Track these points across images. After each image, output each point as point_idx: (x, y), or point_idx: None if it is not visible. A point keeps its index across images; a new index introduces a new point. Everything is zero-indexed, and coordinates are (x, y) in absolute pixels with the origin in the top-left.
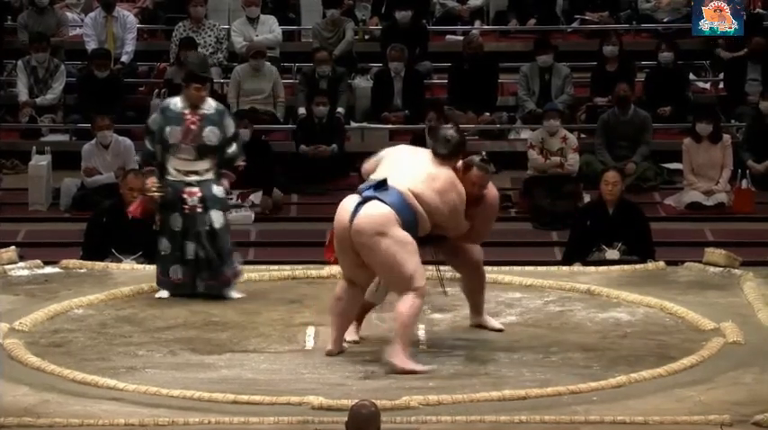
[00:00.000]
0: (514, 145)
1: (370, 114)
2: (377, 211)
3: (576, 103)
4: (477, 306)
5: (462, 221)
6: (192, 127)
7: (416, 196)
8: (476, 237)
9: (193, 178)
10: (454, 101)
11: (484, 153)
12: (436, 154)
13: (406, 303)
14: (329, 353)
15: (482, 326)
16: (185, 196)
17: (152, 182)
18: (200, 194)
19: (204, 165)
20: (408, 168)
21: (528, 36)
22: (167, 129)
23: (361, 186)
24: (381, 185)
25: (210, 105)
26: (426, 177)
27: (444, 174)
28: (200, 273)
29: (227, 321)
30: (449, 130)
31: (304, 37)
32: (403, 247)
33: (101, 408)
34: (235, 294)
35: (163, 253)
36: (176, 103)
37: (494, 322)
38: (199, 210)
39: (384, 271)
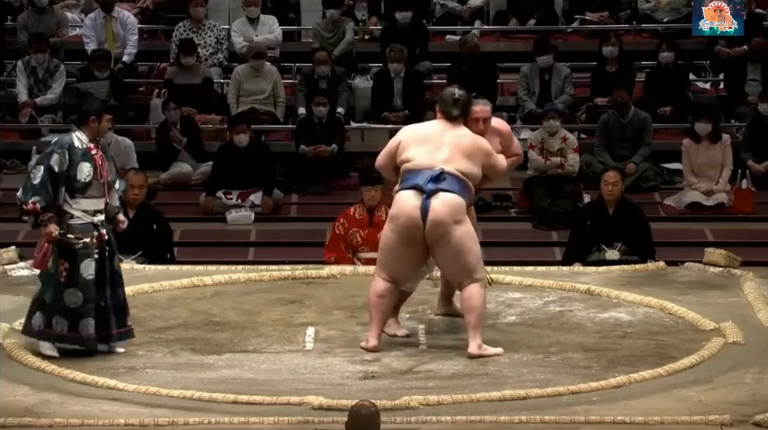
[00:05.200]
0: None
1: (370, 114)
2: (451, 201)
3: (576, 103)
4: (449, 295)
5: (500, 166)
6: (99, 161)
7: (466, 175)
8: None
9: (99, 218)
10: None
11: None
12: (450, 117)
13: (474, 293)
14: (373, 349)
15: (451, 315)
16: (95, 240)
17: (55, 229)
18: (106, 237)
19: (103, 202)
20: (442, 148)
21: (528, 36)
22: (79, 166)
23: (417, 181)
24: (439, 177)
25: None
26: (461, 152)
27: (469, 139)
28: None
29: (227, 321)
30: (455, 90)
31: (304, 37)
32: (471, 237)
33: (101, 408)
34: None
35: (73, 306)
36: (79, 138)
37: None
38: (107, 254)
39: (452, 259)
